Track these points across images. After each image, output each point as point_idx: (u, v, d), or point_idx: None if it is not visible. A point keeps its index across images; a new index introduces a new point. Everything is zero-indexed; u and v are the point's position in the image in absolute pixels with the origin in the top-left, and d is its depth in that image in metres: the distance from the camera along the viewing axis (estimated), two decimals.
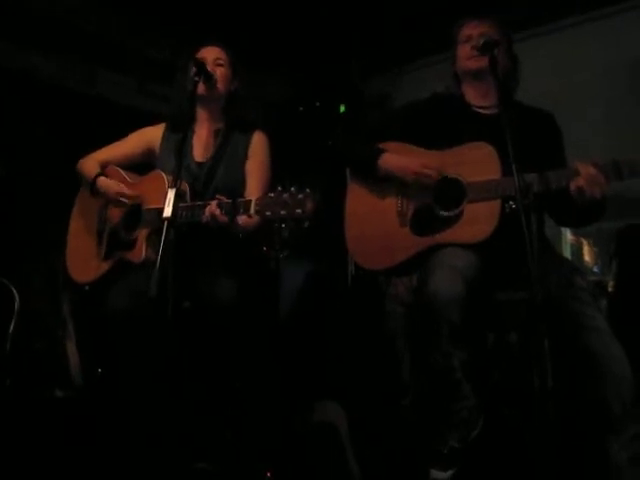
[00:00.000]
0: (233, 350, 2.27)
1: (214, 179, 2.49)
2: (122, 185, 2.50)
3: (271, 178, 2.56)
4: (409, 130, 2.38)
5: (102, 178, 2.55)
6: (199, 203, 2.23)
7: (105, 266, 2.52)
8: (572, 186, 2.01)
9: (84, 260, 2.60)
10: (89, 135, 3.44)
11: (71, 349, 3.05)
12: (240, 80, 2.63)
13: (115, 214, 2.56)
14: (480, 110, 2.38)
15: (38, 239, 3.40)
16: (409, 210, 2.28)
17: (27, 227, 3.55)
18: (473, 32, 2.33)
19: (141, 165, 2.66)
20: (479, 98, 2.39)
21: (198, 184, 2.47)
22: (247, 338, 2.29)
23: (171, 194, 1.97)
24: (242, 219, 2.17)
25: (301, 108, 4.91)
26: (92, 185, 2.55)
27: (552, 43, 4.17)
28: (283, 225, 1.94)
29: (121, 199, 2.48)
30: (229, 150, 2.55)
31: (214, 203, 2.13)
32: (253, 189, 2.46)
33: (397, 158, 2.30)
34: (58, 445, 2.38)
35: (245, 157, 2.56)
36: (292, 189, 1.91)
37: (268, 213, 1.94)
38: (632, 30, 3.86)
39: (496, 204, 2.10)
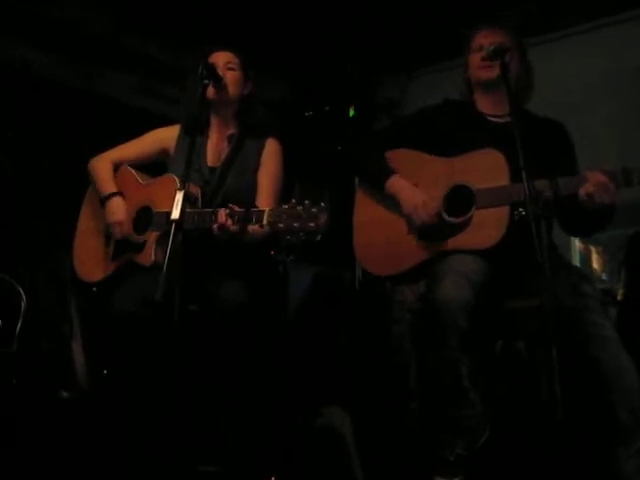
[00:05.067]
0: (240, 353, 2.26)
1: (225, 184, 2.48)
2: (126, 221, 2.47)
3: (282, 188, 2.56)
4: (420, 136, 2.37)
5: (115, 200, 2.52)
6: (209, 210, 2.23)
7: (112, 267, 2.52)
8: (581, 192, 2.00)
9: (92, 260, 2.60)
10: (93, 133, 3.46)
11: (77, 350, 3.05)
12: (253, 85, 2.63)
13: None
14: (492, 119, 2.37)
15: (45, 239, 3.40)
16: None
17: (34, 227, 3.55)
18: (485, 41, 2.31)
19: (155, 165, 2.66)
20: (491, 107, 2.38)
21: (209, 188, 2.46)
22: (254, 341, 2.28)
23: (179, 196, 1.97)
24: (252, 228, 2.17)
25: (310, 112, 4.91)
26: (103, 200, 2.54)
27: (566, 48, 4.17)
28: (288, 237, 1.94)
29: (114, 229, 2.46)
30: (241, 156, 2.54)
31: (223, 214, 2.13)
32: (264, 200, 2.43)
33: (400, 188, 2.27)
34: (62, 446, 2.38)
35: (257, 165, 2.55)
36: (306, 202, 1.91)
37: (281, 225, 1.94)
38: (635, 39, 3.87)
39: (505, 210, 2.09)
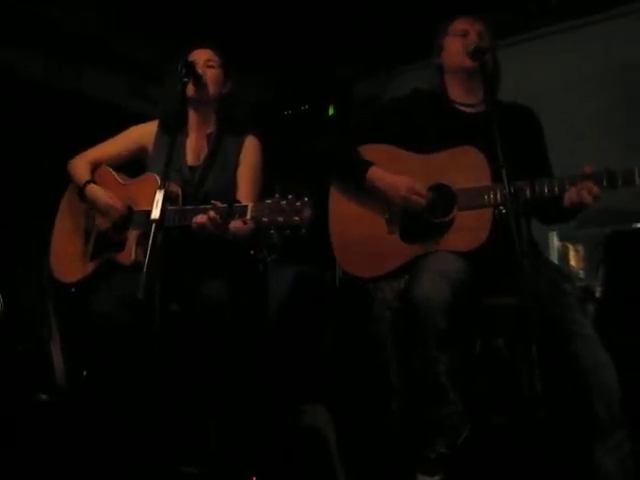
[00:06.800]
0: (221, 352, 2.25)
1: (205, 184, 2.47)
2: (112, 197, 2.47)
3: (262, 184, 2.55)
4: (393, 129, 2.34)
5: (91, 186, 2.53)
6: (190, 207, 2.22)
7: (91, 266, 2.50)
8: (567, 198, 2.01)
9: (70, 260, 2.58)
10: (76, 135, 3.43)
11: (55, 351, 3.02)
12: (233, 83, 2.62)
13: (104, 218, 2.53)
14: (464, 108, 2.36)
15: (23, 239, 3.37)
16: (397, 216, 2.24)
17: (11, 227, 3.51)
18: (470, 28, 2.30)
19: (134, 164, 2.64)
20: (464, 95, 2.36)
21: (190, 188, 2.45)
22: (235, 340, 2.27)
23: (159, 196, 1.95)
24: (234, 225, 2.16)
25: (289, 111, 4.90)
26: (81, 192, 2.54)
27: (542, 47, 4.21)
28: (272, 231, 1.94)
29: (109, 212, 2.46)
30: (221, 154, 2.54)
31: (211, 213, 2.11)
32: (244, 196, 2.43)
33: (384, 176, 2.24)
34: (42, 449, 2.36)
35: (237, 162, 2.54)
36: (290, 196, 1.91)
37: (265, 219, 1.93)
38: (620, 36, 3.91)
39: (487, 211, 2.09)
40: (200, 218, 2.13)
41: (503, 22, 3.56)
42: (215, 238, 2.20)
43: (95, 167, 2.62)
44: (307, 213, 1.88)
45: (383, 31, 4.37)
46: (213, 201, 2.12)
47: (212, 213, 2.09)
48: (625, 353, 2.12)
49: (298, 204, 1.90)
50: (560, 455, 1.83)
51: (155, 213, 1.92)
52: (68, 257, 2.59)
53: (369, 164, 2.28)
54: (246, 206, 2.02)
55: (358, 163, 2.30)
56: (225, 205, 2.07)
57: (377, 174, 2.26)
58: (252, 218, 1.99)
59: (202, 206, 2.18)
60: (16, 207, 3.57)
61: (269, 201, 1.94)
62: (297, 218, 1.89)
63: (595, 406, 1.92)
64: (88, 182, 2.53)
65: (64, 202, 2.72)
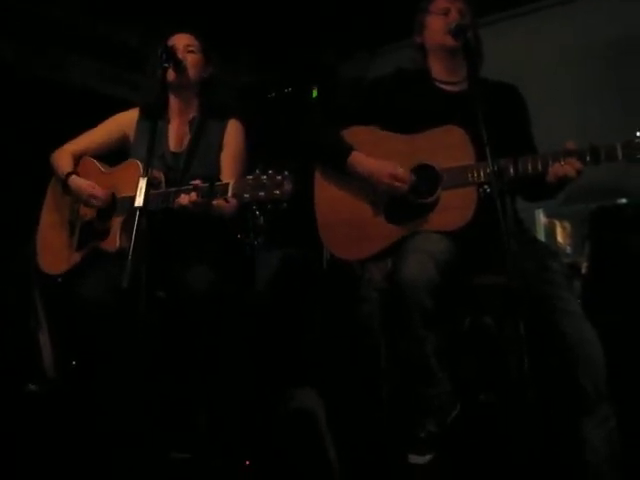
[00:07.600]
0: (209, 338, 2.25)
1: (190, 170, 2.46)
2: (95, 186, 2.46)
3: (246, 168, 2.54)
4: (375, 109, 2.33)
5: (74, 177, 2.52)
6: (173, 189, 2.21)
7: (78, 257, 2.50)
8: (551, 174, 2.00)
9: (56, 251, 2.57)
10: (58, 123, 3.40)
11: (44, 341, 3.01)
12: (214, 67, 2.60)
13: (88, 208, 2.52)
14: (447, 87, 2.35)
15: (8, 230, 3.34)
16: (382, 198, 2.24)
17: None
18: (451, 6, 2.28)
19: (117, 153, 2.62)
20: (446, 73, 2.35)
21: (173, 174, 2.44)
22: (222, 325, 2.27)
23: (142, 183, 1.95)
24: (218, 203, 2.16)
25: (273, 93, 4.87)
26: (63, 184, 2.52)
27: (524, 25, 4.21)
28: (257, 212, 1.94)
29: (92, 201, 2.44)
30: (204, 140, 2.53)
31: (193, 193, 2.11)
32: (228, 180, 2.42)
33: (366, 162, 2.23)
34: (32, 439, 2.36)
35: (220, 147, 2.54)
36: (270, 171, 1.92)
37: (246, 196, 1.95)
38: (602, 13, 3.91)
39: (472, 190, 2.09)
40: (182, 199, 2.13)
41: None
42: (201, 221, 2.20)
43: (77, 158, 2.61)
44: (288, 187, 1.90)
45: (365, 10, 4.34)
46: (193, 182, 2.12)
47: (194, 195, 2.09)
48: (610, 329, 2.13)
49: (279, 178, 1.91)
50: (548, 431, 1.84)
51: (139, 200, 1.92)
52: (54, 249, 2.59)
53: (350, 149, 2.27)
54: (227, 184, 2.03)
55: (339, 149, 2.29)
56: (206, 184, 2.07)
57: (358, 159, 2.25)
58: (234, 195, 2.00)
59: (184, 187, 2.18)
60: None
61: (250, 177, 1.95)
62: (278, 192, 1.90)
63: (581, 382, 1.93)
64: (70, 174, 2.52)
65: (48, 196, 2.72)
